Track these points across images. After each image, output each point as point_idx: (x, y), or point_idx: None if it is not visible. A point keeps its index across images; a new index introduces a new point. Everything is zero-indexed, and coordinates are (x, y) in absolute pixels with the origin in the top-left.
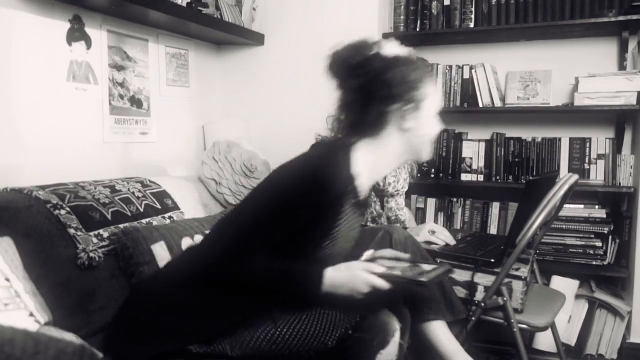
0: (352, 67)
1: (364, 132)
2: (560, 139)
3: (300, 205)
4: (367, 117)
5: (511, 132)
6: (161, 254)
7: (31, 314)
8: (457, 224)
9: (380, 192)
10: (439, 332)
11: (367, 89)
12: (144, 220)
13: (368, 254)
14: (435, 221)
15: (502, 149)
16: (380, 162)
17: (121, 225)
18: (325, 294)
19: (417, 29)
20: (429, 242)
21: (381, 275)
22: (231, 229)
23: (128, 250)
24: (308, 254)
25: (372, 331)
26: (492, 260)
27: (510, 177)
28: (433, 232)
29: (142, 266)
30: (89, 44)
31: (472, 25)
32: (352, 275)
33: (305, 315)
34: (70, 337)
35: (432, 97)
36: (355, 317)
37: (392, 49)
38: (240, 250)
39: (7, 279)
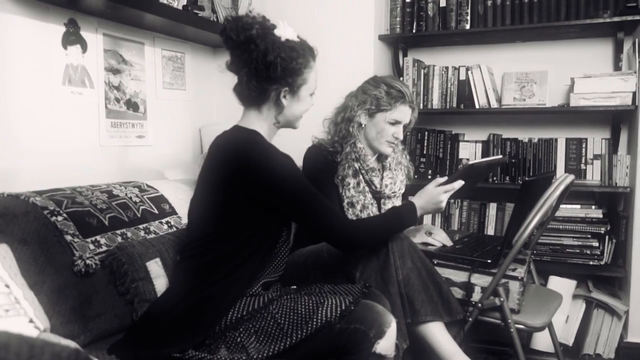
0: (240, 41)
1: (248, 102)
2: (556, 140)
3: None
4: (250, 91)
5: (508, 133)
6: (156, 270)
7: (31, 320)
8: (455, 225)
9: (377, 194)
10: (437, 333)
11: (253, 65)
12: (141, 226)
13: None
14: (433, 222)
15: (499, 150)
16: (267, 133)
17: (118, 231)
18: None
19: (414, 31)
20: (426, 244)
21: (446, 182)
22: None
23: (123, 267)
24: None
25: (367, 322)
26: (489, 261)
27: (507, 178)
28: (430, 234)
29: (137, 282)
30: (84, 48)
31: (468, 26)
32: (430, 195)
33: (298, 304)
34: (67, 343)
35: (309, 83)
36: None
37: (285, 32)
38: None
39: (7, 286)
